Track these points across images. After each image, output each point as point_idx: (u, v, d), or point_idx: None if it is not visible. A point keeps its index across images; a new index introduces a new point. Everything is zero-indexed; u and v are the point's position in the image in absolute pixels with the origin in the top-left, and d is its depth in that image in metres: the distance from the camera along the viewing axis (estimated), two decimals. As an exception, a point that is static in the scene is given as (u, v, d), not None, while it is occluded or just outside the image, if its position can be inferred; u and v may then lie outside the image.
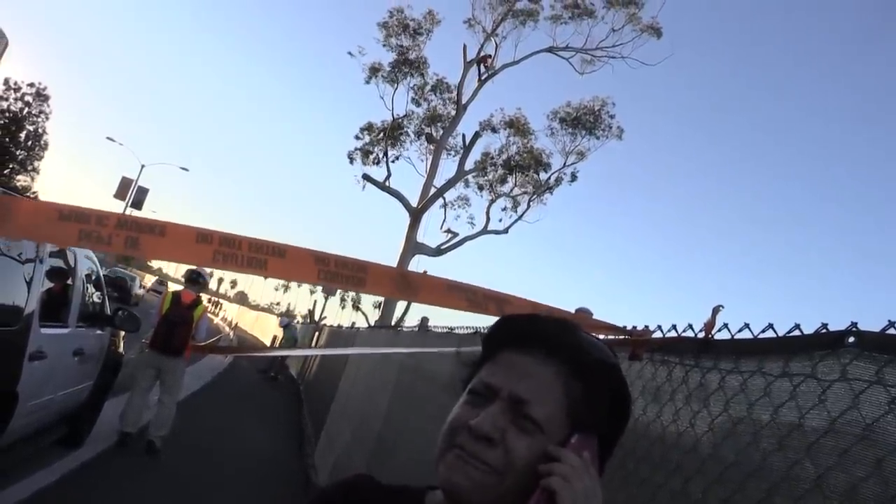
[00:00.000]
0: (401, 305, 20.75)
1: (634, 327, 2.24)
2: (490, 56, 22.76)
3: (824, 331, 1.41)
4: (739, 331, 1.68)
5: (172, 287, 10.56)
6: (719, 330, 1.76)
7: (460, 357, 1.09)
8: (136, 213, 41.52)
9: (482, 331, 3.73)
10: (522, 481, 0.89)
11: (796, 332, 1.49)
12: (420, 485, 1.13)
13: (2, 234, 1.84)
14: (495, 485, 0.89)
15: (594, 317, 2.49)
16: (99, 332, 6.41)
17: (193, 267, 7.80)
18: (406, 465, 4.14)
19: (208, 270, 8.40)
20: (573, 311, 2.56)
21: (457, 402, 0.99)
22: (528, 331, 0.97)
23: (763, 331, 1.59)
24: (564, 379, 0.93)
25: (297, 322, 25.03)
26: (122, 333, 7.29)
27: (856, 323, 1.34)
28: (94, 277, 6.38)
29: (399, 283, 2.13)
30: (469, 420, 0.91)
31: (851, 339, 1.33)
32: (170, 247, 1.93)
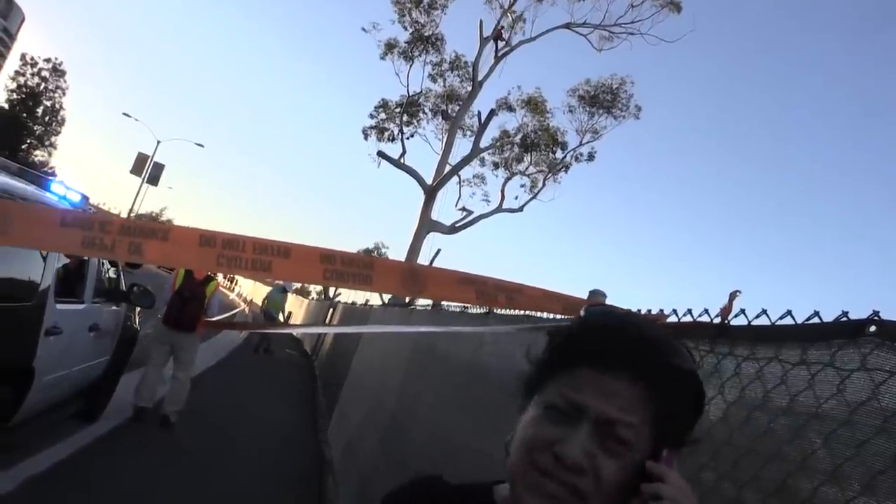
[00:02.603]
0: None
1: (649, 311, 2.22)
2: (502, 27, 22.50)
3: (844, 319, 1.37)
4: (757, 317, 1.65)
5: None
6: (736, 315, 1.73)
7: (529, 355, 1.05)
8: (152, 188, 41.77)
9: (496, 311, 3.70)
10: (609, 500, 0.87)
11: (815, 320, 1.46)
12: (466, 475, 1.11)
13: (4, 242, 1.82)
14: None
15: (608, 299, 2.46)
16: (114, 307, 6.46)
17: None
18: (418, 443, 4.15)
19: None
20: (587, 293, 2.54)
21: (530, 408, 0.96)
22: (608, 348, 0.92)
23: (781, 317, 1.56)
24: (649, 394, 0.90)
25: (312, 297, 25.08)
26: (138, 309, 7.35)
27: (877, 311, 1.30)
28: (109, 253, 6.41)
29: (406, 278, 2.09)
30: (554, 442, 0.88)
31: (872, 328, 1.30)
32: (173, 251, 1.91)
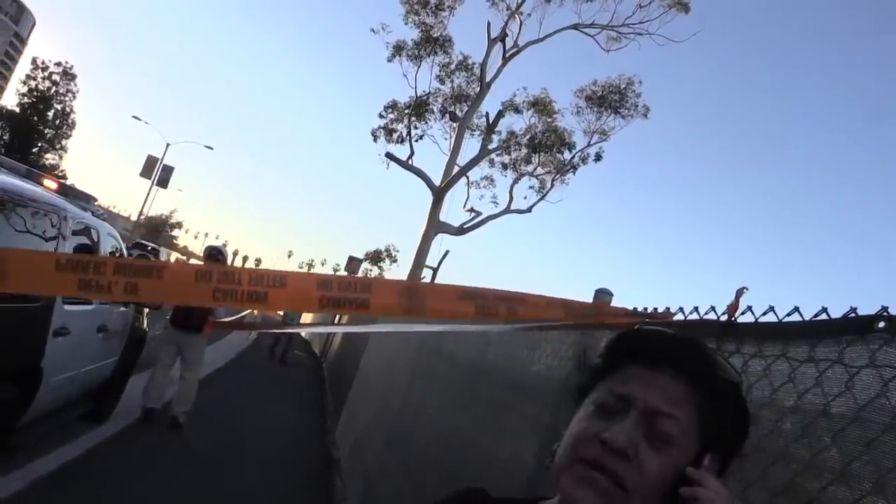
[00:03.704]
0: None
1: (655, 309, 2.20)
2: (507, 33, 22.49)
3: (853, 315, 1.35)
4: (764, 314, 1.62)
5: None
6: (743, 313, 1.71)
7: (585, 359, 1.08)
8: (161, 191, 41.95)
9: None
10: (650, 498, 0.88)
11: (823, 317, 1.43)
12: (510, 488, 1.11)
13: (3, 289, 1.84)
14: (624, 502, 0.88)
15: (614, 299, 2.44)
16: (123, 308, 6.47)
17: (214, 243, 7.85)
18: (425, 443, 4.14)
19: (227, 247, 8.48)
20: (593, 291, 2.52)
21: (579, 411, 0.98)
22: (658, 349, 0.96)
23: (788, 314, 1.53)
24: (695, 397, 0.92)
25: None
26: (146, 310, 7.37)
27: (886, 307, 1.28)
28: (117, 255, 6.43)
29: (404, 297, 2.09)
30: (600, 432, 0.90)
31: (881, 325, 1.27)
32: (169, 289, 1.95)
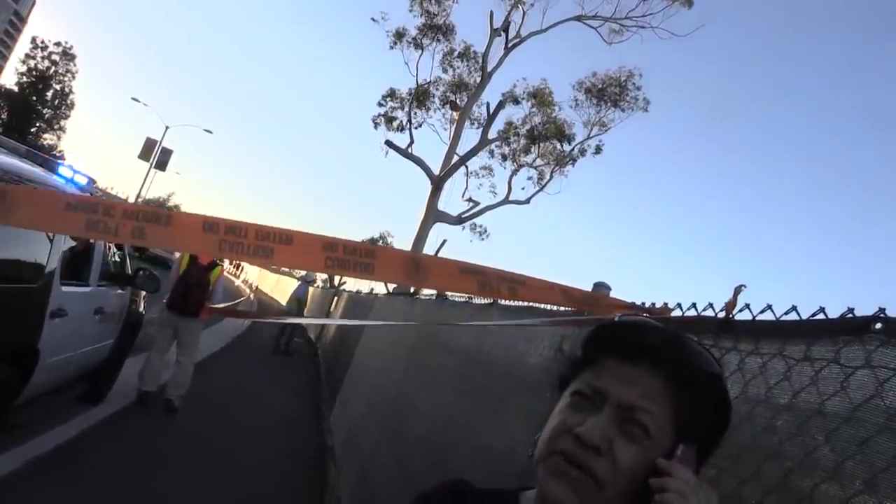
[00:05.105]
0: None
1: (654, 304, 2.20)
2: (510, 23, 22.43)
3: (850, 315, 1.36)
4: (761, 312, 1.63)
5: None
6: (740, 310, 1.71)
7: (563, 349, 1.09)
8: (159, 173, 41.86)
9: (500, 302, 3.70)
10: (624, 490, 0.89)
11: (820, 316, 1.44)
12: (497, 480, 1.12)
13: (7, 223, 1.80)
14: (597, 495, 0.88)
15: (612, 293, 2.44)
16: (120, 291, 6.47)
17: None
18: (419, 432, 4.15)
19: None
20: (591, 286, 2.52)
21: (558, 402, 1.00)
22: (634, 342, 0.96)
23: (786, 313, 1.54)
24: (672, 390, 0.93)
25: (318, 285, 24.99)
26: (143, 293, 7.37)
27: (884, 309, 1.28)
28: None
29: (409, 267, 2.08)
30: (575, 426, 0.91)
31: (878, 326, 1.28)
32: (175, 237, 1.91)
